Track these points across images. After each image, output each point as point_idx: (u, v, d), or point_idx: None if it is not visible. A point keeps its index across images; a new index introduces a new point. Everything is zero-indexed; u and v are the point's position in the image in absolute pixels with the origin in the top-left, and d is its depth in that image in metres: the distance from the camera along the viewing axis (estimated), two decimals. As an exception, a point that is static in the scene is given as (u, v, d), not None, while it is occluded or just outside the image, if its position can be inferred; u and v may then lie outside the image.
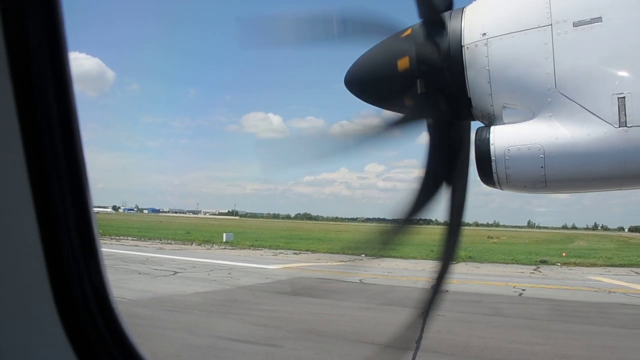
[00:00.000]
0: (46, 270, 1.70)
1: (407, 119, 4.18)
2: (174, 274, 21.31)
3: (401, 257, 32.62)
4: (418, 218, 4.00)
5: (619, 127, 3.16)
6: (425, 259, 29.43)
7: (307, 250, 41.73)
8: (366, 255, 4.26)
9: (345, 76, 4.48)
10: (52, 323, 1.73)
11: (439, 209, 4.00)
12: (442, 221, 4.02)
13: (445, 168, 4.01)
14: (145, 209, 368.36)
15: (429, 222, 4.28)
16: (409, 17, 4.08)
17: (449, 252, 4.11)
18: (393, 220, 4.08)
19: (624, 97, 3.16)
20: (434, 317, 4.05)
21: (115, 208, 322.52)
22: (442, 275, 4.00)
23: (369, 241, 4.17)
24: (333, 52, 4.40)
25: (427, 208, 3.96)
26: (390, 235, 4.03)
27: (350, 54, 4.41)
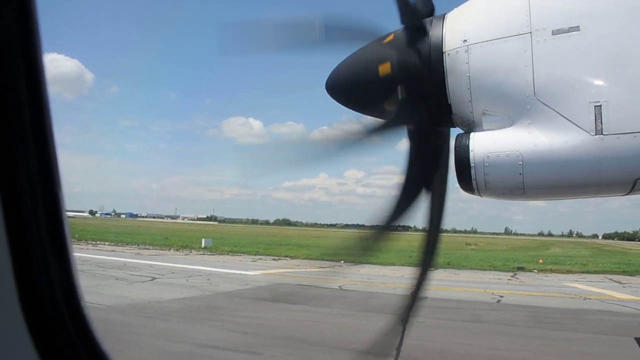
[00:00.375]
0: (12, 271, 1.65)
1: (388, 126, 4.20)
2: (152, 280, 21.07)
3: (380, 264, 32.67)
4: (397, 224, 4.02)
5: (596, 134, 3.21)
6: (404, 265, 29.56)
7: (286, 256, 41.60)
8: (345, 261, 4.26)
9: (327, 81, 4.49)
10: (17, 326, 1.68)
11: (419, 215, 4.03)
12: (421, 228, 4.05)
13: (425, 174, 4.04)
14: (123, 214, 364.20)
15: (408, 228, 4.31)
16: (391, 23, 4.11)
17: (427, 258, 4.13)
18: (372, 227, 4.09)
19: (600, 106, 3.22)
20: (414, 323, 4.06)
21: (92, 213, 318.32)
22: (421, 281, 4.02)
23: (349, 247, 4.18)
24: (315, 57, 4.42)
25: (406, 214, 3.98)
26: (370, 241, 4.04)
27: (332, 58, 4.42)
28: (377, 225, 4.01)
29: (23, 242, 1.70)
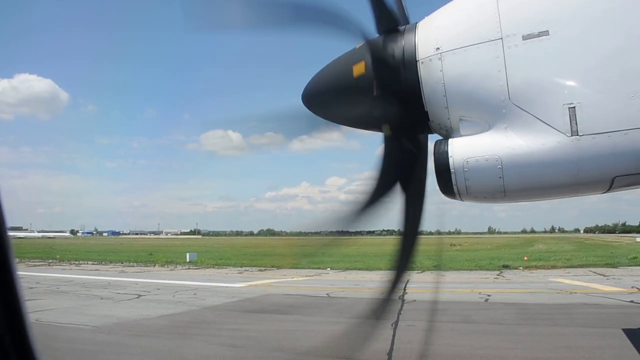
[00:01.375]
0: None
1: (365, 120, 4.20)
2: (137, 297, 20.81)
3: (367, 269, 32.72)
4: (361, 226, 4.05)
5: (572, 136, 3.27)
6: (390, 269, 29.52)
7: (272, 267, 41.38)
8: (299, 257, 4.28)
9: (303, 93, 4.50)
10: None
11: (395, 218, 4.06)
12: (397, 230, 4.07)
13: (398, 177, 4.06)
14: (105, 232, 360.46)
15: (372, 232, 4.33)
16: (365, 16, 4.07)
17: (403, 261, 4.15)
18: (330, 230, 4.11)
19: (574, 107, 3.27)
20: (403, 327, 4.07)
21: (73, 232, 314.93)
22: (394, 284, 4.03)
23: (308, 247, 4.16)
24: (282, 38, 4.35)
25: (370, 216, 4.00)
26: (329, 240, 4.06)
27: (310, 65, 4.38)
28: (335, 228, 4.03)
29: None
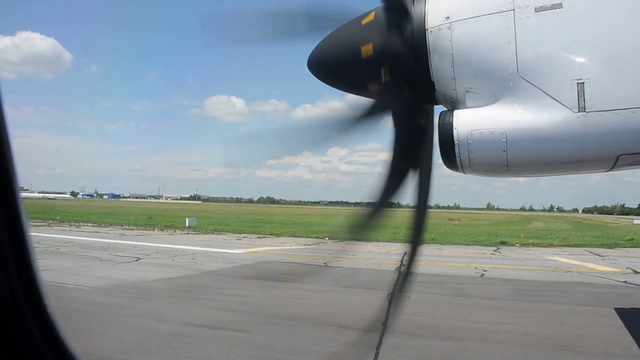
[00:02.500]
0: None
1: (373, 111, 4.18)
2: (136, 260, 21.01)
3: (364, 240, 32.84)
4: (389, 202, 4.05)
5: (578, 112, 3.24)
6: (388, 241, 29.73)
7: (271, 234, 41.65)
8: (344, 240, 4.30)
9: (308, 59, 4.45)
10: None
11: (406, 192, 4.06)
12: (410, 205, 4.08)
13: (411, 152, 4.05)
14: (105, 195, 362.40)
15: (399, 206, 4.34)
16: (374, 6, 4.08)
17: (417, 235, 4.18)
18: (367, 205, 4.11)
19: (583, 83, 3.24)
20: (404, 299, 4.12)
21: (73, 194, 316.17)
22: (412, 258, 4.07)
23: (350, 226, 4.17)
24: (299, 48, 4.38)
25: (396, 192, 4.01)
26: (368, 219, 4.06)
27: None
28: (371, 203, 4.03)
29: None
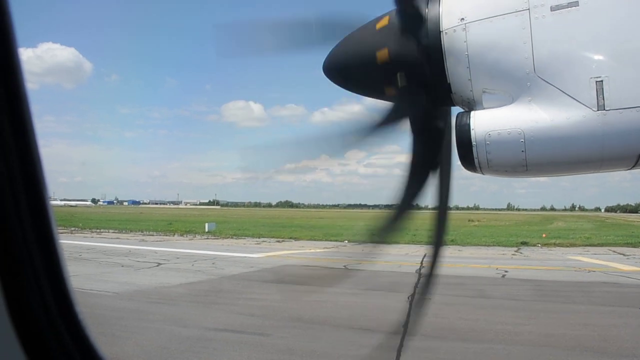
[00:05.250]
0: None
1: (391, 118, 4.18)
2: (157, 266, 21.20)
3: (387, 243, 32.72)
4: (412, 204, 4.05)
5: (598, 110, 3.21)
6: (407, 243, 29.63)
7: (290, 238, 41.72)
8: (373, 243, 4.31)
9: (324, 64, 4.47)
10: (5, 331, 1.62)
11: (427, 195, 4.06)
12: (431, 207, 4.08)
13: (431, 155, 4.05)
14: (125, 201, 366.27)
15: (419, 208, 4.34)
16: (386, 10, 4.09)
17: (439, 237, 4.18)
18: (391, 208, 4.12)
19: (601, 81, 3.20)
20: (419, 300, 4.12)
21: (94, 201, 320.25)
22: (435, 260, 4.07)
23: (375, 229, 4.18)
24: (314, 57, 4.41)
25: (418, 195, 4.01)
26: (393, 222, 4.06)
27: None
28: (395, 206, 4.04)
29: (4, 240, 1.65)
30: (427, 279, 4.12)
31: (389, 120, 4.11)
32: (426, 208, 4.09)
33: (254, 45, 4.31)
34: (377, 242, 4.19)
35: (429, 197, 4.00)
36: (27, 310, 1.72)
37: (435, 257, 4.05)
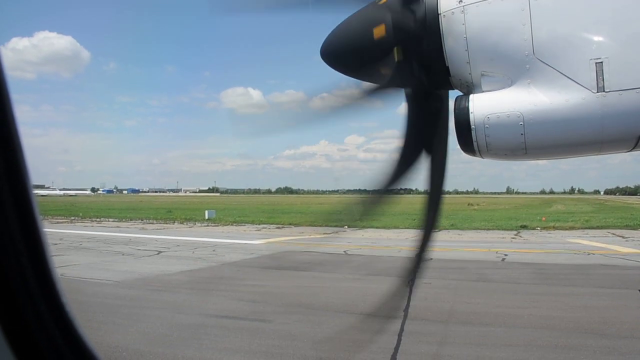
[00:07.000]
0: None
1: (385, 87, 4.16)
2: (158, 254, 21.24)
3: (384, 227, 32.89)
4: (398, 187, 4.03)
5: (597, 92, 3.18)
6: (407, 228, 29.71)
7: (290, 224, 41.78)
8: (347, 225, 4.31)
9: (321, 48, 4.42)
10: None
11: (420, 178, 4.04)
12: (423, 190, 4.06)
13: (424, 137, 4.02)
14: (125, 190, 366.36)
15: (409, 191, 4.31)
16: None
17: (430, 220, 4.16)
18: (373, 190, 4.10)
19: (601, 62, 3.18)
20: (420, 285, 4.11)
21: (94, 190, 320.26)
22: (424, 243, 4.05)
23: (349, 211, 4.17)
24: (307, 17, 4.33)
25: (407, 177, 3.99)
26: (370, 205, 4.05)
27: (326, 21, 4.36)
28: (377, 189, 4.02)
29: None
30: (415, 263, 4.09)
31: (383, 88, 4.09)
32: (424, 192, 4.06)
33: (247, 3, 4.24)
34: (353, 224, 4.20)
35: (421, 180, 3.99)
36: (13, 304, 1.70)
37: (425, 241, 4.02)
